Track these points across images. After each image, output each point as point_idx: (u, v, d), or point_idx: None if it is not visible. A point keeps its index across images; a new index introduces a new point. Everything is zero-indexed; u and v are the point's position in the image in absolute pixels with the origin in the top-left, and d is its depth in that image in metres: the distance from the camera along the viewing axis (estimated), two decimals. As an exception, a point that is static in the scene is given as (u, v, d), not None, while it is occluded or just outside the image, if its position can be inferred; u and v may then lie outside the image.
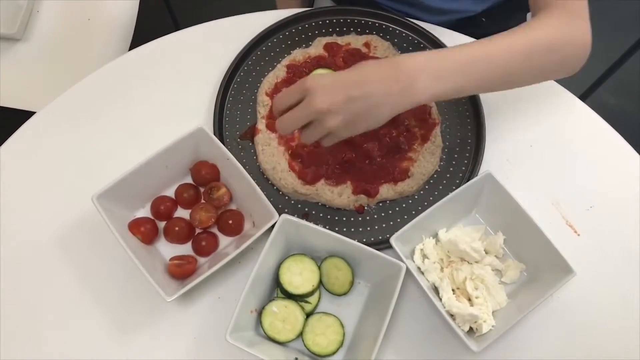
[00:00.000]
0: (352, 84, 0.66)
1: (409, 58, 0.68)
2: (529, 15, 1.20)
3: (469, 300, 0.78)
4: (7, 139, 0.91)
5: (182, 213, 0.85)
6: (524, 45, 0.72)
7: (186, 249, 0.83)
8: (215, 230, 0.84)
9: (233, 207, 0.86)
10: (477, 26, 1.02)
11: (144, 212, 0.85)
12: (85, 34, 1.22)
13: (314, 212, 0.87)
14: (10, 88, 1.15)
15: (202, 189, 0.86)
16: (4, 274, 0.83)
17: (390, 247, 0.78)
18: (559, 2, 0.76)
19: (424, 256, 0.82)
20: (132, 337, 0.80)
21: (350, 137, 0.71)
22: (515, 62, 0.72)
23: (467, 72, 0.69)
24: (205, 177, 0.85)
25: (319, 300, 0.80)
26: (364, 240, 0.84)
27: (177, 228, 0.83)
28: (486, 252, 0.83)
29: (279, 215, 0.78)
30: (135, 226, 0.80)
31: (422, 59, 0.68)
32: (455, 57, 0.70)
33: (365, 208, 0.87)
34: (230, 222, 0.83)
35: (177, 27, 1.61)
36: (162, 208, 0.84)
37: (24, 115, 0.96)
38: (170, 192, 0.86)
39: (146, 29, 1.27)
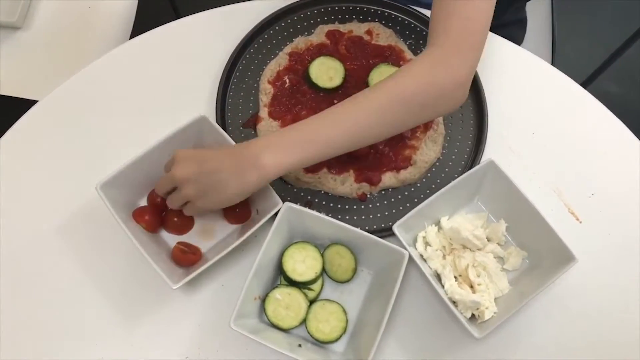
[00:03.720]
0: (206, 159, 0.73)
1: (257, 139, 0.74)
2: (528, 5, 1.20)
3: (471, 287, 0.79)
4: (8, 128, 0.91)
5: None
6: (374, 106, 0.73)
7: (191, 238, 0.84)
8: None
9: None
10: None
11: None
12: (85, 22, 1.21)
13: (316, 200, 0.87)
14: (11, 77, 1.14)
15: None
16: (5, 264, 0.84)
17: (392, 234, 0.78)
18: (437, 40, 0.75)
19: (427, 244, 0.82)
20: (137, 326, 0.81)
21: None
22: (366, 124, 0.73)
23: (313, 142, 0.72)
24: None
25: (322, 288, 0.81)
26: (367, 228, 0.85)
27: (175, 219, 0.83)
28: (488, 240, 0.83)
29: (282, 202, 0.78)
30: (139, 215, 0.81)
31: (267, 138, 0.73)
32: (300, 130, 0.73)
33: (368, 196, 0.87)
34: (237, 209, 0.83)
35: (177, 15, 1.60)
36: (159, 200, 0.84)
37: (25, 104, 0.95)
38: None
39: (147, 17, 1.26)
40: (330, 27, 0.97)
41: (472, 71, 0.75)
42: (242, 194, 0.73)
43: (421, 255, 0.81)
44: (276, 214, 0.77)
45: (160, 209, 0.84)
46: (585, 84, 1.50)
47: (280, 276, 0.81)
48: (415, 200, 0.87)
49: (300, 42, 0.96)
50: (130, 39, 1.06)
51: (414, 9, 0.98)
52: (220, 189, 0.72)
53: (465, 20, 0.74)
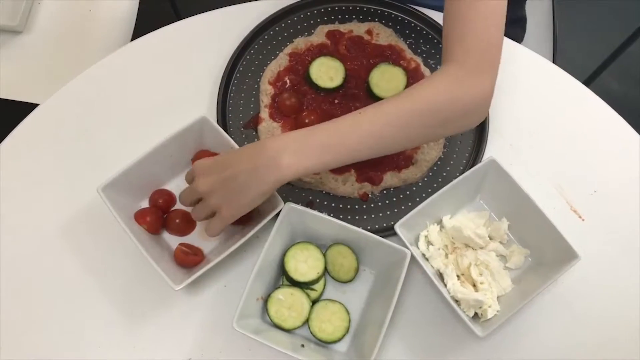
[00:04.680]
0: (224, 165, 0.73)
1: (275, 139, 0.72)
2: (528, 3, 1.20)
3: (474, 286, 0.79)
4: (10, 131, 0.91)
5: (181, 205, 0.85)
6: (395, 118, 0.72)
7: (193, 239, 0.84)
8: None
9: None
10: None
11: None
12: (87, 25, 1.22)
13: (318, 200, 0.87)
14: (12, 80, 1.15)
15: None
16: (7, 266, 0.84)
17: (394, 234, 0.78)
18: (457, 57, 0.74)
19: (429, 243, 0.82)
20: (139, 327, 0.81)
21: None
22: (387, 135, 0.72)
23: (332, 148, 0.71)
24: None
25: (324, 288, 0.81)
26: (369, 227, 0.85)
27: (177, 220, 0.83)
28: (490, 238, 0.83)
29: (284, 203, 0.78)
30: (141, 216, 0.81)
31: (286, 139, 0.71)
32: (322, 135, 0.71)
33: (370, 195, 0.87)
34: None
35: (178, 17, 1.61)
36: (161, 201, 0.84)
37: (26, 108, 0.96)
38: (174, 183, 0.87)
39: (148, 19, 1.26)
40: (330, 27, 0.97)
41: (494, 87, 0.75)
42: (262, 195, 0.72)
43: (423, 255, 0.81)
44: (278, 214, 0.78)
45: (162, 211, 0.84)
46: (587, 82, 1.50)
47: (283, 276, 0.81)
48: (417, 199, 0.87)
49: (300, 43, 0.96)
50: (131, 41, 1.06)
51: (414, 8, 0.98)
52: (242, 193, 0.71)
53: (482, 35, 0.73)
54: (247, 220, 0.84)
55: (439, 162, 0.90)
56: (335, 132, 0.71)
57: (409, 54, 0.95)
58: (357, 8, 0.99)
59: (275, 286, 0.80)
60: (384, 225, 0.85)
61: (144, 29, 1.02)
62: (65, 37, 1.20)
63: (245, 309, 0.74)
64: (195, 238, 0.84)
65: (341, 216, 0.86)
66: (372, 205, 0.87)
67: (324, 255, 0.80)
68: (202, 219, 0.77)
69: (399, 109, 0.72)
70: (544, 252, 0.81)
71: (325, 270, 0.81)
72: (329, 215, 0.80)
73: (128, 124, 0.93)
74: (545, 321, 0.82)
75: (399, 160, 0.87)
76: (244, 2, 1.01)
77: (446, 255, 0.81)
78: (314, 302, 0.79)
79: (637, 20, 1.44)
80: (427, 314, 0.82)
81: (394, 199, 0.87)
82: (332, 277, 0.82)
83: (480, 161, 0.87)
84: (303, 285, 0.78)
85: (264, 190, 0.71)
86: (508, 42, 0.98)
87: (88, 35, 1.21)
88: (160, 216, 0.83)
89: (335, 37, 0.96)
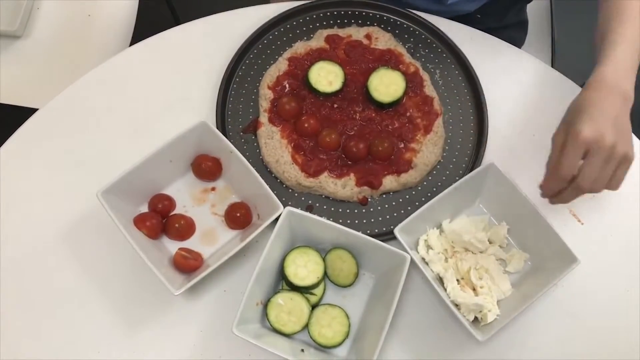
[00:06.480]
0: (603, 113, 0.74)
1: (607, 75, 0.77)
2: (527, 7, 1.20)
3: (474, 290, 0.79)
4: (9, 136, 0.91)
5: (180, 210, 0.86)
6: None
7: (192, 244, 0.84)
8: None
9: (237, 200, 0.86)
10: (472, 21, 1.02)
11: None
12: (85, 30, 1.22)
13: (317, 205, 0.87)
14: (11, 85, 1.15)
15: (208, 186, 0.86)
16: (8, 271, 0.84)
17: (394, 238, 0.78)
18: None
19: (428, 247, 0.82)
20: (139, 332, 0.81)
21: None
22: None
23: (635, 65, 0.79)
24: (205, 170, 0.86)
25: (324, 292, 0.81)
26: (368, 231, 0.84)
27: (177, 225, 0.83)
28: (490, 242, 0.83)
29: (283, 207, 0.78)
30: (140, 221, 0.81)
31: (614, 65, 0.77)
32: (623, 59, 0.78)
33: (369, 200, 0.87)
34: (238, 214, 0.83)
35: (177, 22, 1.61)
36: (160, 206, 0.84)
37: (26, 113, 0.96)
38: (173, 188, 0.87)
39: (146, 24, 1.26)
40: (330, 31, 0.97)
41: None
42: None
43: (423, 259, 0.81)
44: (277, 218, 0.77)
45: (162, 215, 0.84)
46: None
47: (282, 281, 0.81)
48: (417, 203, 0.87)
49: (299, 47, 0.96)
50: (130, 46, 1.06)
51: (413, 13, 0.99)
52: (627, 129, 0.75)
53: None
54: (246, 224, 0.84)
55: (438, 166, 0.90)
56: (627, 50, 0.78)
57: (407, 58, 0.95)
58: (356, 13, 1.00)
59: (275, 291, 0.80)
60: (384, 229, 0.85)
61: (143, 35, 1.02)
62: (64, 42, 1.20)
63: (245, 313, 0.74)
64: (194, 243, 0.84)
65: (340, 220, 0.86)
66: (372, 209, 0.87)
67: (324, 259, 0.80)
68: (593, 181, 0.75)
69: None
70: (544, 256, 0.81)
71: (325, 274, 0.80)
72: (329, 219, 0.80)
73: (127, 128, 0.93)
74: (545, 325, 0.82)
75: (399, 164, 0.87)
76: (243, 6, 1.01)
77: (446, 260, 0.81)
78: (314, 306, 0.79)
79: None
80: (427, 318, 0.82)
81: (394, 203, 0.87)
82: (332, 282, 0.82)
83: (480, 165, 0.87)
84: (303, 290, 0.78)
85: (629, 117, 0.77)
86: (507, 47, 0.99)
87: (87, 39, 1.21)
88: (159, 221, 0.83)
89: (334, 42, 0.96)
